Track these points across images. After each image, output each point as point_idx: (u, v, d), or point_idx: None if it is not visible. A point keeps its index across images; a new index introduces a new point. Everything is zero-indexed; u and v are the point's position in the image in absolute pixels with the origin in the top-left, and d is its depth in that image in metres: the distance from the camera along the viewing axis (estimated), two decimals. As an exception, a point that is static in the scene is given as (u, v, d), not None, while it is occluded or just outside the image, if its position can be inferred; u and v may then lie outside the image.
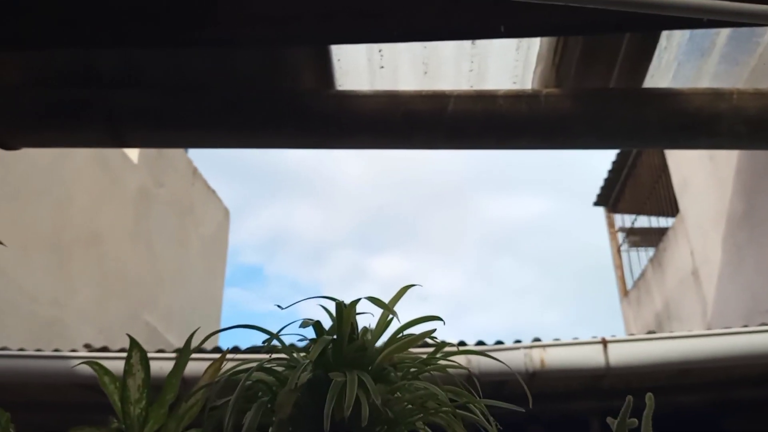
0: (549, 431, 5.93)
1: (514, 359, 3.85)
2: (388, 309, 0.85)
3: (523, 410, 0.95)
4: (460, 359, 3.66)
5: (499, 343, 4.01)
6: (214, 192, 11.26)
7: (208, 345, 5.87)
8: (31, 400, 4.77)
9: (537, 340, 3.98)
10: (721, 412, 6.07)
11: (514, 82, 1.87)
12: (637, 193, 10.73)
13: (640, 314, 10.44)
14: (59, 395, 4.58)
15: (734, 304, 7.01)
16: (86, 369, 3.98)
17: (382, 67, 1.84)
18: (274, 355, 0.93)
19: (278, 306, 0.84)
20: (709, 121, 1.68)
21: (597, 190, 11.42)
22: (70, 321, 7.17)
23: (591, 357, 3.78)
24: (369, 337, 0.90)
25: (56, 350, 4.22)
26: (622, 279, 11.49)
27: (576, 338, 3.93)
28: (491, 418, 0.92)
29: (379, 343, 0.91)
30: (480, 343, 4.04)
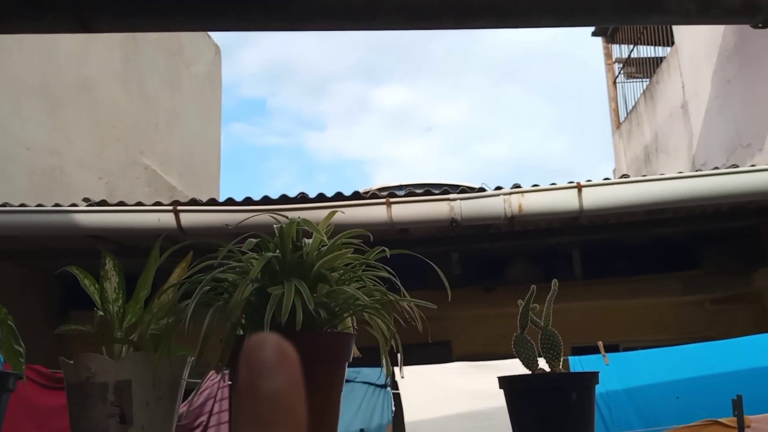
0: (533, 263, 6.32)
1: (494, 204, 4.05)
2: (317, 231, 0.98)
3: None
4: (444, 206, 3.90)
5: (481, 190, 4.20)
6: (202, 30, 10.95)
7: (205, 195, 6.10)
8: (42, 248, 5.06)
9: (516, 186, 4.16)
10: (696, 242, 6.42)
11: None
12: (635, 22, 10.42)
13: (630, 146, 10.59)
14: (66, 243, 4.86)
15: (719, 138, 7.13)
16: (88, 219, 4.27)
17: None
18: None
19: (226, 225, 0.96)
20: (661, -2, 1.71)
21: (594, 20, 11.08)
22: (70, 169, 7.33)
23: (566, 201, 3.97)
24: (308, 249, 1.04)
25: (57, 204, 4.41)
26: (615, 111, 11.51)
27: (553, 184, 4.10)
28: (415, 308, 1.08)
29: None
30: (464, 190, 4.22)
